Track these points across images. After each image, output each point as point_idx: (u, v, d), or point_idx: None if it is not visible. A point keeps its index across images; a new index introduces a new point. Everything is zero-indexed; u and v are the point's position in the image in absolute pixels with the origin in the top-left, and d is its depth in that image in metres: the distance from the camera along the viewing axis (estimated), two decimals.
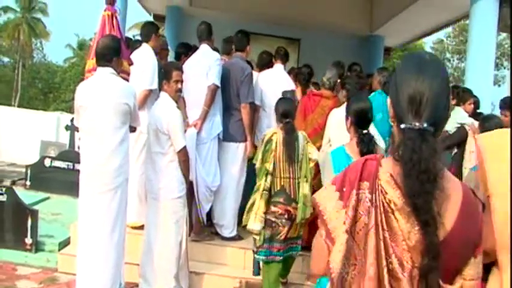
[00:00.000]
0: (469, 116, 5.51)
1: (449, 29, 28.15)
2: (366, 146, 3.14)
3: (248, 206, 4.22)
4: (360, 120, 3.27)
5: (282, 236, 4.08)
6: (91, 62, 4.49)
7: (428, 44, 28.67)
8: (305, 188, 4.12)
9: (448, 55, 30.56)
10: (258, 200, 4.10)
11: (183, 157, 4.24)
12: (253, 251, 4.32)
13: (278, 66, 5.80)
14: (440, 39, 30.38)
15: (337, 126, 4.06)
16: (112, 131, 3.86)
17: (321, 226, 1.50)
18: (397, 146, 1.42)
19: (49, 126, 12.33)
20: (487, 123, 4.11)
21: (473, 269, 1.42)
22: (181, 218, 4.30)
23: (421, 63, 1.46)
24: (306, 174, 4.15)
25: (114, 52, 3.95)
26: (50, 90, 41.58)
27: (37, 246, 5.15)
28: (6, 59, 44.11)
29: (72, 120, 10.39)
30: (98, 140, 3.87)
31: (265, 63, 5.95)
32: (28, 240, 5.11)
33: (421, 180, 1.34)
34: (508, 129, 1.69)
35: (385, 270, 1.37)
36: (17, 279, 4.55)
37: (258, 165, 4.21)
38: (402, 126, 1.40)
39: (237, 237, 5.24)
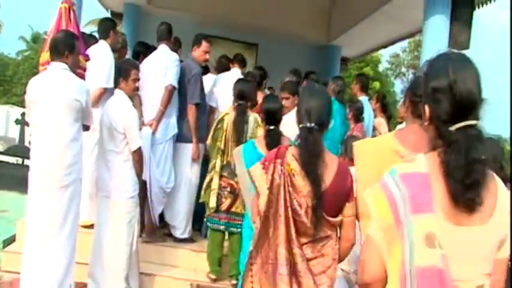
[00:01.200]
0: None
1: (405, 44, 28.88)
2: (271, 139, 3.66)
3: (205, 184, 4.60)
4: (268, 117, 3.81)
5: (224, 207, 4.51)
6: (45, 55, 4.38)
7: (385, 57, 29.33)
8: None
9: (403, 69, 31.32)
10: (214, 178, 4.52)
11: (138, 157, 4.22)
12: (205, 216, 4.84)
13: (235, 70, 5.91)
14: (397, 53, 31.11)
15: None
16: (63, 127, 3.79)
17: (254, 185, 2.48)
18: (297, 137, 2.45)
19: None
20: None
21: (349, 209, 2.42)
22: (133, 218, 4.28)
23: (313, 89, 2.61)
24: None
25: (68, 48, 3.87)
26: (1, 83, 40.22)
27: None
28: None
29: (22, 114, 10.12)
30: (49, 136, 3.80)
31: (223, 67, 6.10)
32: None
33: (309, 155, 2.33)
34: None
35: (290, 209, 2.31)
36: None
37: (208, 141, 4.70)
38: (300, 125, 2.44)
39: (189, 240, 5.24)
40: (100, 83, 4.96)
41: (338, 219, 2.39)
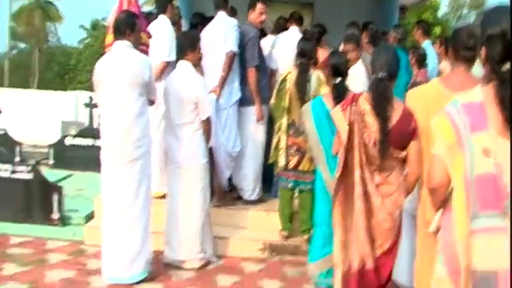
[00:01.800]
0: None
1: None
2: (338, 93, 3.73)
3: (274, 144, 4.69)
4: (335, 72, 3.88)
5: (292, 165, 4.55)
6: (110, 37, 4.49)
7: (443, 1, 27.97)
8: None
9: (465, 11, 29.76)
10: (282, 137, 4.59)
11: (208, 126, 4.37)
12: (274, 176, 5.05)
13: (293, 29, 5.78)
14: None
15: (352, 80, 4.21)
16: (129, 103, 3.92)
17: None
18: (370, 85, 3.01)
19: (68, 106, 12.49)
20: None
21: (413, 147, 2.86)
22: (205, 185, 4.40)
23: (383, 46, 3.64)
24: None
25: (129, 26, 3.99)
26: (66, 72, 41.78)
27: (63, 221, 5.26)
28: (22, 45, 44.44)
29: (90, 98, 10.49)
30: (116, 112, 3.94)
31: (281, 28, 6.00)
32: (55, 216, 5.23)
33: (380, 100, 2.89)
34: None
35: (361, 142, 2.87)
36: (48, 252, 4.65)
37: (272, 101, 4.77)
38: (373, 76, 2.98)
39: (259, 201, 5.30)
40: (162, 57, 5.02)
41: (403, 154, 2.91)
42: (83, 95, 12.75)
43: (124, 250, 3.97)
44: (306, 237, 4.64)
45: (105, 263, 4.05)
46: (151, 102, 4.20)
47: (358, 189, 2.90)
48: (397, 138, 2.87)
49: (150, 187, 4.15)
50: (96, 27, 40.73)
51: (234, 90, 5.13)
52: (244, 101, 5.20)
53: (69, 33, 56.97)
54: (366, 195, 2.88)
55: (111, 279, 4.00)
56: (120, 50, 3.98)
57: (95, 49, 38.77)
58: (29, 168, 5.33)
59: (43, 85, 36.80)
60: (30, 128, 11.90)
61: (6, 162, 5.39)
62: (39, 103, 12.71)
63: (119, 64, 3.93)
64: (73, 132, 10.01)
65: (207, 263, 4.47)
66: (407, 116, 2.86)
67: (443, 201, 2.09)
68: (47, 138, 10.46)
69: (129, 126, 3.90)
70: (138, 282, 3.98)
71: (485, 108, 1.92)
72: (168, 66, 4.99)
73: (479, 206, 1.91)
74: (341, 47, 5.13)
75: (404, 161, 2.94)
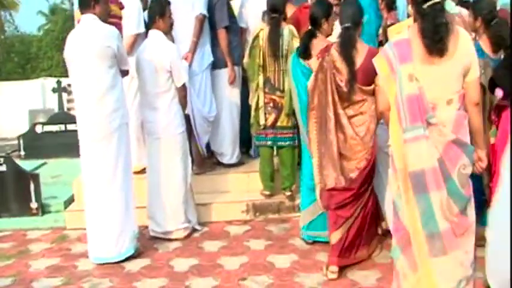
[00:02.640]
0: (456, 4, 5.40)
1: None
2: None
3: (254, 104, 4.67)
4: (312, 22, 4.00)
5: (269, 122, 4.57)
6: (78, 13, 4.35)
7: None
8: (290, 81, 4.25)
9: None
10: (260, 95, 4.59)
11: (184, 92, 4.35)
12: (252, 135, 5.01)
13: None
14: None
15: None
16: (99, 75, 3.85)
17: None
18: (338, 34, 3.51)
19: (34, 94, 12.21)
20: (477, 5, 3.95)
21: (377, 81, 3.04)
22: (185, 153, 4.40)
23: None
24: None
25: None
26: (28, 61, 40.78)
27: (43, 209, 5.19)
28: None
29: (59, 81, 10.26)
30: (88, 87, 3.88)
31: None
32: (33, 205, 5.14)
33: (345, 46, 3.35)
34: None
35: (334, 83, 3.38)
36: (29, 243, 4.59)
37: (245, 60, 4.76)
38: (341, 26, 3.50)
39: (239, 164, 5.30)
40: (131, 29, 4.92)
41: (370, 87, 3.35)
42: (48, 82, 12.48)
43: (108, 228, 3.93)
44: (288, 193, 4.67)
45: (90, 244, 4.03)
46: (124, 73, 4.11)
47: (330, 125, 3.40)
48: (363, 76, 3.33)
49: (129, 161, 4.10)
50: (55, 11, 39.57)
51: (205, 54, 5.06)
52: (216, 64, 5.14)
53: (27, 20, 55.29)
54: (340, 128, 3.40)
55: (98, 259, 3.97)
56: (87, 23, 3.89)
57: (56, 34, 37.86)
58: (1, 160, 5.19)
59: (4, 77, 35.96)
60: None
61: None
62: (4, 94, 12.41)
63: (85, 38, 3.85)
64: (42, 120, 9.80)
65: (193, 232, 4.48)
66: (372, 55, 3.01)
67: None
68: (15, 129, 10.22)
69: (102, 99, 3.84)
70: (125, 259, 3.96)
71: (410, 43, 2.51)
72: (138, 38, 4.91)
73: (409, 120, 2.51)
74: None
75: (373, 93, 3.34)
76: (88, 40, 3.84)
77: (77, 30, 4.01)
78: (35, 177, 5.19)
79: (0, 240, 4.71)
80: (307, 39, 3.91)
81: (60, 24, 38.08)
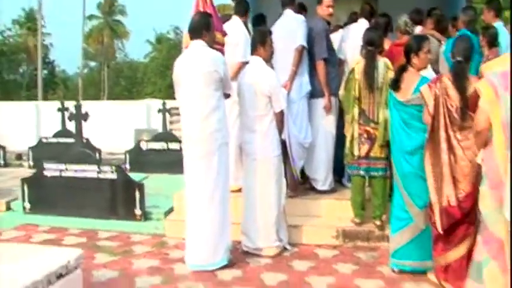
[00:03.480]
0: None
1: None
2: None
3: (349, 136, 4.79)
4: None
5: (363, 153, 4.70)
6: (187, 39, 4.73)
7: None
8: (385, 113, 4.50)
9: None
10: (355, 127, 4.74)
11: (281, 117, 4.56)
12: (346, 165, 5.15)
13: (362, 21, 5.87)
14: None
15: None
16: (205, 97, 4.16)
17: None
18: (451, 67, 3.76)
19: (140, 114, 13.04)
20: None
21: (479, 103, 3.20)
22: (280, 175, 4.59)
23: (460, 36, 4.00)
24: (386, 100, 4.43)
25: (205, 26, 4.26)
26: (133, 85, 43.58)
27: (145, 216, 5.57)
28: (93, 63, 46.75)
29: (164, 103, 10.94)
30: (194, 107, 4.19)
31: (353, 21, 6.15)
32: (137, 211, 5.55)
33: (458, 77, 3.65)
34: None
35: (446, 109, 3.66)
36: (132, 244, 4.99)
37: (341, 92, 4.91)
38: (453, 60, 3.74)
39: (331, 191, 5.44)
40: (238, 57, 5.30)
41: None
42: (153, 103, 13.27)
43: (205, 238, 4.21)
44: (378, 223, 4.73)
45: (188, 251, 4.32)
46: (226, 96, 4.43)
47: (443, 145, 3.65)
48: (473, 104, 3.45)
49: (228, 178, 4.38)
50: (161, 40, 42.25)
51: (304, 83, 5.28)
52: (314, 94, 5.35)
53: (135, 48, 59.38)
54: (451, 149, 3.65)
55: (194, 266, 4.24)
56: (196, 48, 4.23)
57: (160, 62, 40.26)
58: (113, 168, 5.70)
59: (113, 98, 38.64)
60: (106, 136, 12.54)
61: (93, 164, 5.79)
62: (113, 113, 13.37)
63: (194, 61, 4.18)
64: (146, 138, 10.47)
65: (283, 251, 4.65)
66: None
67: (485, 143, 3.10)
68: (121, 145, 11.00)
69: (206, 119, 4.15)
70: (218, 269, 4.20)
71: None
72: (243, 66, 5.21)
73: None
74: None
75: None
76: (197, 64, 4.16)
77: (186, 54, 4.31)
78: (141, 187, 5.62)
79: (109, 239, 5.19)
80: (398, 73, 4.14)
81: (165, 52, 40.52)
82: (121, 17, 42.71)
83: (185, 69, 4.22)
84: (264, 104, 4.46)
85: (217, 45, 4.64)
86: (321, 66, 5.28)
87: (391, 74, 4.48)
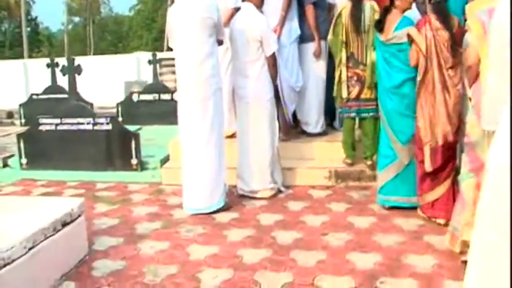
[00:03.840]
0: None
1: None
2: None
3: (337, 78, 4.87)
4: None
5: (354, 95, 4.80)
6: None
7: None
8: (372, 55, 4.57)
9: None
10: (342, 70, 4.79)
11: (273, 61, 4.61)
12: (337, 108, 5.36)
13: None
14: None
15: None
16: (200, 43, 4.21)
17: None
18: (431, 7, 3.83)
19: (129, 67, 12.96)
20: None
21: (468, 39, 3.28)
22: (273, 118, 4.70)
23: None
24: (373, 42, 4.50)
25: None
26: (120, 40, 42.90)
27: (142, 166, 5.68)
28: (77, 19, 45.80)
29: (154, 54, 10.87)
30: (189, 53, 4.24)
31: None
32: (134, 161, 5.66)
33: (443, 15, 3.74)
34: None
35: (438, 48, 3.72)
36: (130, 193, 5.11)
37: (329, 37, 4.92)
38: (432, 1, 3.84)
39: (323, 133, 5.56)
40: (230, 4, 5.28)
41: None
42: (143, 55, 13.19)
43: (202, 182, 4.33)
44: (369, 162, 4.88)
45: (185, 195, 4.44)
46: (220, 43, 4.47)
47: (438, 86, 3.74)
48: (459, 41, 3.60)
49: (223, 123, 4.48)
50: None
51: (293, 28, 5.31)
52: (303, 38, 5.39)
53: (120, 1, 57.98)
54: (445, 87, 3.74)
55: (191, 210, 4.38)
56: None
57: (145, 14, 39.58)
58: (108, 120, 5.76)
59: (98, 54, 38.15)
60: (97, 91, 12.51)
61: (88, 116, 5.83)
62: (103, 68, 13.28)
63: (189, 8, 4.22)
64: (138, 89, 10.46)
65: (278, 193, 4.80)
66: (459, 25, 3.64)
67: (475, 77, 3.11)
68: (112, 99, 11.00)
69: (201, 65, 4.22)
70: (215, 211, 4.34)
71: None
72: (235, 13, 5.19)
73: None
74: None
75: None
76: (191, 11, 4.20)
77: (180, 1, 4.33)
78: (136, 137, 5.70)
79: (106, 190, 5.30)
80: (382, 14, 4.22)
81: (150, 5, 39.78)
82: None
83: (180, 16, 4.25)
84: (256, 49, 4.51)
85: None
86: (310, 10, 5.28)
87: (377, 16, 4.51)
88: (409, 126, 4.01)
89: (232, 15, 5.16)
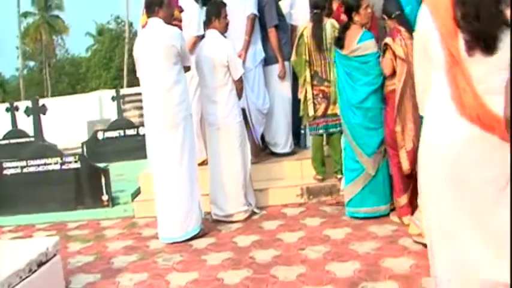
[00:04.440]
0: None
1: None
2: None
3: (302, 97, 4.96)
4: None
5: (320, 112, 4.88)
6: (144, 18, 4.78)
7: None
8: (335, 73, 4.60)
9: None
10: (308, 89, 4.90)
11: (240, 85, 4.71)
12: (304, 127, 5.45)
13: None
14: None
15: None
16: (165, 71, 4.26)
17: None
18: (395, 19, 4.00)
19: (90, 107, 12.88)
20: None
21: None
22: (243, 141, 4.75)
23: None
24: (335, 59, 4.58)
25: (158, 4, 4.31)
26: (77, 81, 42.48)
27: (113, 201, 5.60)
28: (32, 63, 45.21)
29: (117, 91, 10.83)
30: (154, 82, 4.29)
31: None
32: (104, 197, 5.57)
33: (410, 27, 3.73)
34: None
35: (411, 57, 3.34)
36: (104, 229, 5.04)
37: (293, 58, 5.01)
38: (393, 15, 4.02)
39: (291, 152, 5.64)
40: (192, 32, 5.35)
41: None
42: (105, 94, 13.14)
43: (176, 211, 4.31)
44: (339, 176, 4.95)
45: (160, 226, 4.41)
46: (186, 69, 4.52)
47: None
48: None
49: (194, 149, 4.49)
50: (102, 32, 41.21)
51: (257, 51, 5.43)
52: (268, 60, 5.51)
53: (76, 42, 57.78)
54: None
55: (167, 239, 4.35)
56: (153, 26, 4.32)
57: (103, 54, 39.40)
58: (76, 157, 5.70)
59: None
60: (59, 132, 12.29)
61: (55, 157, 5.75)
62: (64, 109, 13.15)
63: (153, 37, 4.28)
64: (102, 127, 10.37)
65: (252, 214, 4.83)
66: None
67: None
68: (76, 139, 10.87)
69: (168, 92, 4.25)
70: (192, 239, 4.33)
71: None
72: (198, 40, 5.28)
73: None
74: None
75: None
76: (155, 40, 4.26)
77: (144, 32, 4.43)
78: (106, 172, 5.62)
79: (78, 228, 5.21)
80: (341, 31, 4.36)
81: (107, 44, 39.67)
82: (58, 12, 41.28)
83: (144, 45, 4.32)
84: (223, 74, 4.59)
85: (175, 21, 4.70)
86: (272, 33, 5.41)
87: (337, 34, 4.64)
88: (374, 139, 4.14)
89: (195, 43, 5.24)
